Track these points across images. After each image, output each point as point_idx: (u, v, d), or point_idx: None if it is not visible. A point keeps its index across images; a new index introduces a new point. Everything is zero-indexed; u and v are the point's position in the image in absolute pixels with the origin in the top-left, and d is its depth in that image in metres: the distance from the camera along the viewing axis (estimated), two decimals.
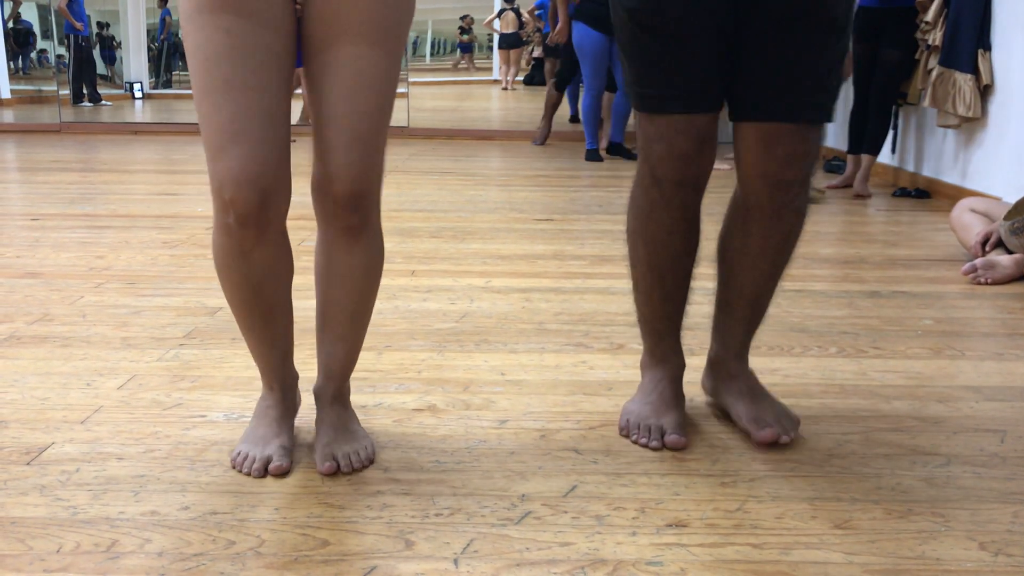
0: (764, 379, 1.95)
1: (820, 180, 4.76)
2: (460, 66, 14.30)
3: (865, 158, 4.67)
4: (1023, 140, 3.86)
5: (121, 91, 11.80)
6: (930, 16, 4.35)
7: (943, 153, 4.60)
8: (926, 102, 4.45)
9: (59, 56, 10.17)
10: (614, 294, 2.62)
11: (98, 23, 11.35)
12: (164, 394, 1.82)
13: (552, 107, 6.74)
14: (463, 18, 13.01)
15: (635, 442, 1.62)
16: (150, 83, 12.37)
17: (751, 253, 1.64)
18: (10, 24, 10.62)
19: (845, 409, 1.80)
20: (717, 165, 6.32)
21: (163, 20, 12.62)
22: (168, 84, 12.70)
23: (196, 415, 1.72)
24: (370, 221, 1.45)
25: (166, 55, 12.55)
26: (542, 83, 13.12)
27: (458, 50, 14.06)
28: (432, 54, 14.04)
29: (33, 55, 10.96)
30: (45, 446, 1.58)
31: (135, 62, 12.07)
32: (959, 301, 2.63)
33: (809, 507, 1.41)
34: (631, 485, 1.47)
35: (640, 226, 1.65)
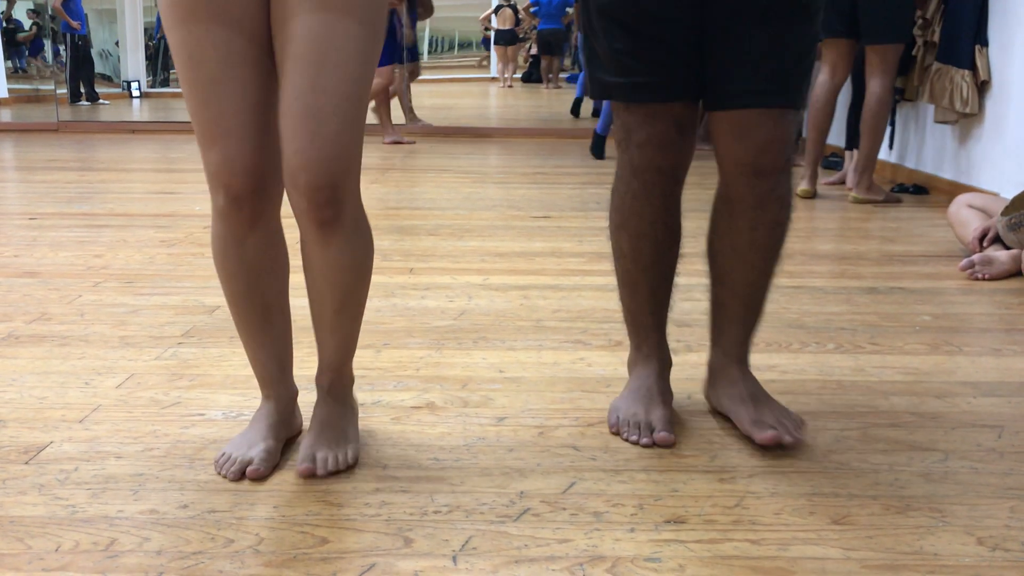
0: (762, 375, 1.95)
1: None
2: (483, 64, 14.27)
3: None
4: (1020, 136, 3.86)
5: (118, 90, 11.79)
6: (928, 12, 4.35)
7: (941, 149, 4.61)
8: (924, 98, 4.45)
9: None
10: (612, 291, 2.62)
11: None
12: (162, 393, 1.82)
13: None
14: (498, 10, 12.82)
15: (625, 439, 1.62)
16: (148, 82, 12.36)
17: (740, 247, 1.62)
18: (3, 24, 10.61)
19: (843, 405, 1.81)
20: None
21: (160, 19, 12.60)
22: (166, 83, 12.69)
23: (195, 413, 1.72)
24: (344, 214, 1.36)
25: (163, 54, 12.54)
26: (539, 80, 13.14)
27: (482, 46, 14.02)
28: (429, 52, 14.02)
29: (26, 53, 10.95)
30: (43, 445, 1.58)
31: (132, 61, 12.07)
32: (957, 297, 2.63)
33: (807, 503, 1.41)
34: (629, 481, 1.47)
35: (622, 219, 1.65)
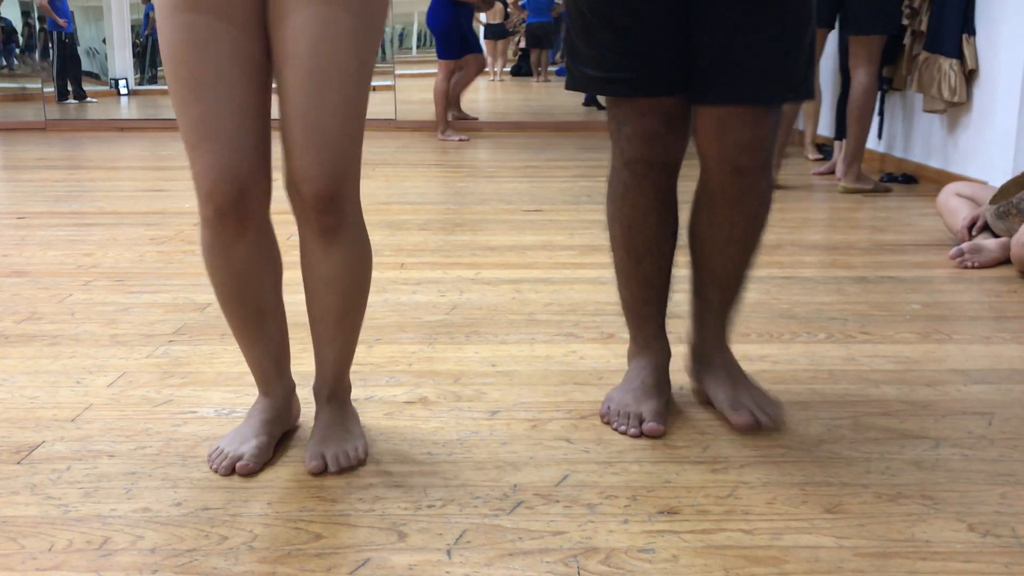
0: (753, 366, 1.96)
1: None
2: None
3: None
4: (1008, 124, 3.88)
5: (106, 88, 11.73)
6: (915, 2, 4.36)
7: (929, 138, 4.62)
8: (912, 88, 4.46)
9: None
10: (604, 284, 2.63)
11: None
12: (154, 391, 1.82)
13: None
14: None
15: (615, 429, 1.63)
16: (135, 79, 12.30)
17: (718, 239, 1.65)
18: None
19: (834, 394, 1.81)
20: None
21: (147, 16, 12.54)
22: (153, 80, 12.63)
23: (187, 411, 1.72)
24: (346, 221, 1.38)
25: (151, 51, 12.48)
26: (529, 73, 13.12)
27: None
28: (418, 46, 13.99)
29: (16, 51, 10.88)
30: (35, 445, 1.58)
31: (120, 58, 12.00)
32: (946, 285, 2.64)
33: (799, 492, 1.42)
34: (622, 473, 1.48)
35: (615, 209, 1.66)
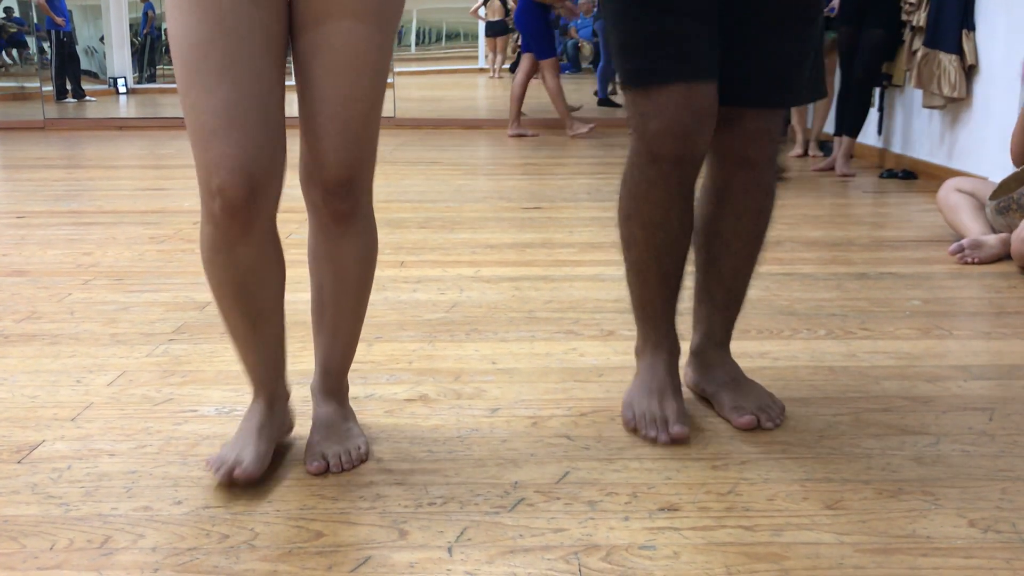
0: (754, 363, 1.96)
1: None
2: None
3: (844, 140, 4.70)
4: (1008, 119, 3.87)
5: (104, 86, 11.72)
6: None
7: (929, 134, 4.62)
8: (911, 83, 4.46)
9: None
10: (603, 281, 2.62)
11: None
12: (154, 390, 1.82)
13: None
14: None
15: (643, 436, 1.59)
16: (134, 78, 12.29)
17: (725, 235, 1.65)
18: None
19: (835, 391, 1.81)
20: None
21: (145, 14, 12.54)
22: (152, 79, 12.63)
23: (187, 410, 1.72)
24: (360, 207, 1.42)
25: (149, 50, 12.47)
26: None
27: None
28: (417, 43, 13.99)
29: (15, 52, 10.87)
30: (36, 444, 1.58)
31: (118, 57, 11.99)
32: (946, 281, 2.64)
33: (800, 488, 1.42)
34: (623, 470, 1.48)
35: (635, 207, 1.61)
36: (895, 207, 3.85)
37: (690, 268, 1.71)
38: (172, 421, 1.67)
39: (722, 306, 1.72)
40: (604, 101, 8.63)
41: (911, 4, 4.40)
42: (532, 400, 1.77)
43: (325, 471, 1.46)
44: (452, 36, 14.96)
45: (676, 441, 1.58)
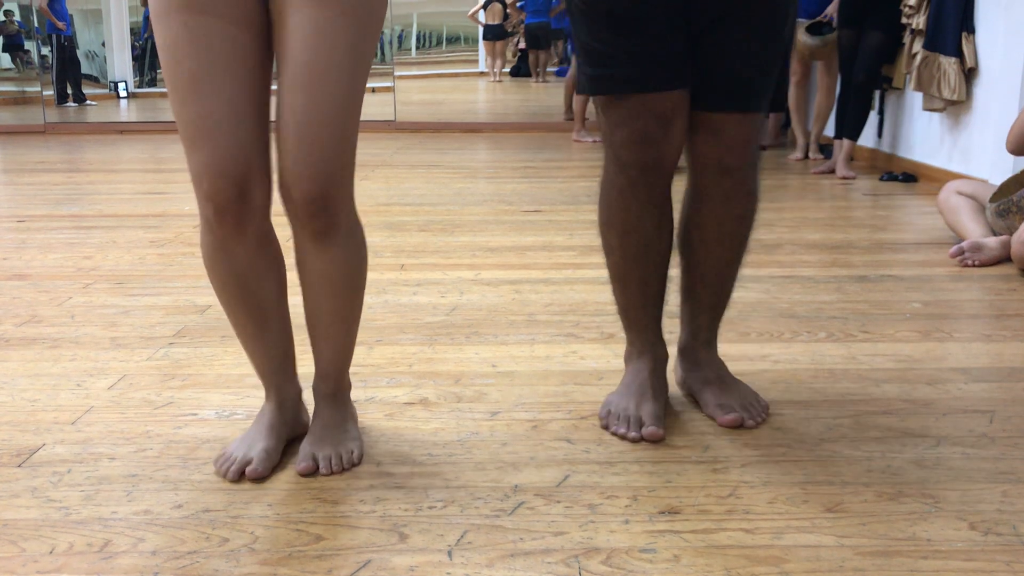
0: (754, 365, 1.96)
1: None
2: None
3: (845, 143, 4.71)
4: (1008, 122, 3.87)
5: (105, 91, 11.73)
6: (913, 0, 4.36)
7: (929, 137, 4.62)
8: (911, 86, 4.46)
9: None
10: (604, 284, 2.61)
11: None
12: (155, 393, 1.82)
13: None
14: None
15: (614, 433, 1.62)
16: (135, 82, 12.30)
17: (708, 239, 1.66)
18: None
19: (835, 393, 1.81)
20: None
21: (146, 19, 12.53)
22: (153, 83, 12.62)
23: (187, 413, 1.72)
24: (337, 224, 1.37)
25: (150, 54, 12.47)
26: (528, 74, 13.13)
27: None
28: (417, 47, 14.00)
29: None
30: (36, 448, 1.58)
31: (119, 61, 12.00)
32: (947, 284, 2.64)
33: (800, 491, 1.42)
34: (623, 473, 1.48)
35: (610, 215, 1.65)
36: (895, 210, 3.85)
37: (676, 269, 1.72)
38: (172, 425, 1.67)
39: (707, 306, 1.73)
40: None
41: (911, 7, 4.40)
42: (532, 403, 1.77)
43: (314, 472, 1.46)
44: (452, 40, 14.97)
45: (648, 440, 1.59)
